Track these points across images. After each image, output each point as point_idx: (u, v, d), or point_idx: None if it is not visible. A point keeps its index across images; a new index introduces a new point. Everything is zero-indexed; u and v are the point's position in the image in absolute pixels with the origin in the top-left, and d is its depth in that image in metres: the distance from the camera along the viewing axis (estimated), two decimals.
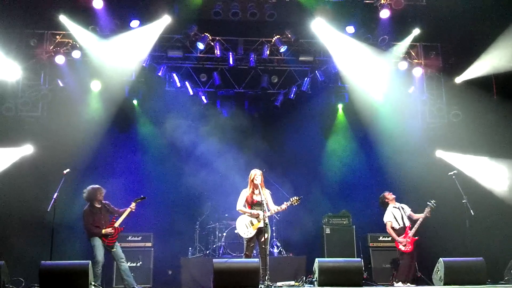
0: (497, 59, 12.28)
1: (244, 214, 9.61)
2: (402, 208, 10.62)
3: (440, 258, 8.84)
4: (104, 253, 9.90)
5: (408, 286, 9.98)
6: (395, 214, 10.56)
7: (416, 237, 10.29)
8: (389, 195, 10.75)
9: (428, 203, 10.27)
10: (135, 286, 10.06)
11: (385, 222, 10.63)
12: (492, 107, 12.71)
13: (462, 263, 8.84)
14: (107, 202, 10.25)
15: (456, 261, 8.85)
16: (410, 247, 10.28)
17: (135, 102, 12.83)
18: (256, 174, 9.65)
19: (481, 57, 12.49)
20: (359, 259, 10.39)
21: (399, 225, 10.47)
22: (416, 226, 10.30)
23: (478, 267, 8.72)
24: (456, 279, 8.56)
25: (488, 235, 11.52)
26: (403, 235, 10.34)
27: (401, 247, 10.34)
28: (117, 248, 10.06)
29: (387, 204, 10.72)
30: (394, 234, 10.45)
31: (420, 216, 10.35)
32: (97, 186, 10.12)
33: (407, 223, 10.43)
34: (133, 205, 10.07)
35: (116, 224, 10.03)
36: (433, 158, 13.12)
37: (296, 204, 9.59)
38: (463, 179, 10.77)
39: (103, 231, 9.84)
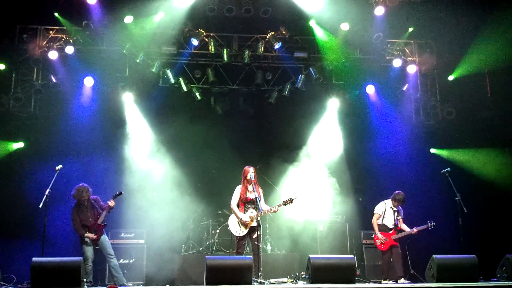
0: (488, 53, 12.33)
1: (236, 215, 9.61)
2: (398, 211, 10.76)
3: (433, 255, 8.81)
4: (94, 249, 9.90)
5: (403, 283, 10.01)
6: (387, 211, 10.72)
7: (397, 243, 10.52)
8: (397, 195, 10.76)
9: (428, 222, 10.45)
10: (125, 283, 10.06)
11: (374, 212, 10.87)
12: (486, 105, 12.75)
13: (455, 260, 8.82)
14: (95, 197, 10.24)
15: (449, 258, 8.83)
16: (383, 246, 10.55)
17: (128, 98, 12.73)
18: (250, 171, 9.61)
19: (473, 52, 12.53)
20: (352, 256, 10.37)
21: (382, 222, 10.73)
22: (403, 234, 10.60)
23: (470, 264, 8.68)
24: (449, 276, 8.53)
25: (480, 232, 11.58)
26: (388, 233, 10.59)
27: (377, 242, 10.66)
28: (104, 244, 10.03)
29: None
30: (376, 228, 10.70)
31: (406, 230, 10.62)
32: (82, 186, 10.04)
33: (393, 225, 10.68)
34: (111, 201, 10.06)
35: (99, 221, 10.01)
36: (426, 155, 13.15)
37: (288, 205, 9.56)
38: (456, 176, 10.76)
39: (85, 235, 9.86)
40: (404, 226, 10.71)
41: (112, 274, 10.07)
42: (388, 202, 10.81)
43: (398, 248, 10.55)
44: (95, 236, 9.90)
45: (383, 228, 10.67)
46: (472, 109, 12.90)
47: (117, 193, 10.24)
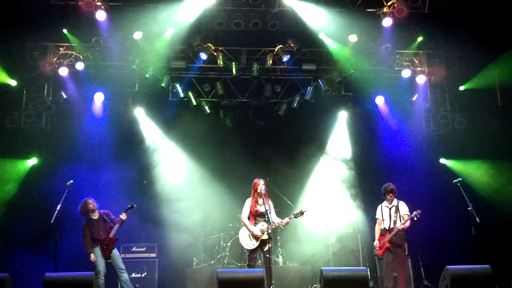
0: (501, 71, 12.36)
1: (247, 228, 9.59)
2: (396, 207, 10.02)
3: (446, 266, 8.72)
4: (106, 263, 9.91)
5: None
6: (383, 213, 10.14)
7: (390, 245, 9.82)
8: (384, 189, 10.19)
9: (414, 212, 9.68)
10: None
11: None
12: (496, 114, 12.70)
13: (469, 270, 8.72)
14: (106, 211, 10.29)
15: (462, 268, 8.73)
16: (379, 251, 9.96)
17: (139, 113, 12.82)
18: (259, 184, 9.59)
19: (485, 69, 12.55)
20: (364, 268, 10.28)
21: (384, 225, 10.03)
22: (393, 233, 9.81)
23: (484, 274, 8.58)
24: (463, 287, 8.46)
25: (494, 242, 11.46)
26: (384, 236, 9.96)
27: (376, 250, 10.09)
28: (115, 258, 10.05)
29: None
30: (376, 234, 10.13)
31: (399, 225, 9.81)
32: (85, 201, 10.15)
33: (392, 225, 9.91)
34: (123, 215, 10.10)
35: (110, 235, 10.03)
36: (437, 165, 13.09)
37: (299, 217, 9.52)
38: (468, 186, 10.68)
39: (91, 255, 9.87)
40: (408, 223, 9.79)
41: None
42: (383, 203, 10.25)
43: (398, 256, 9.78)
44: (95, 259, 9.90)
45: (383, 232, 10.01)
46: (482, 119, 12.83)
47: (129, 206, 10.25)
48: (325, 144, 13.55)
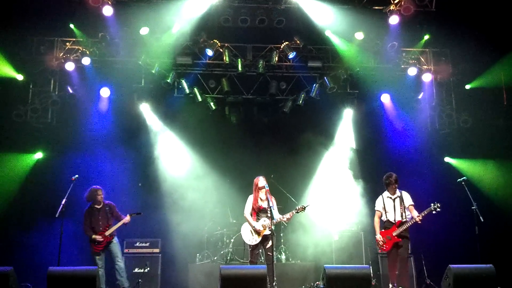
0: (507, 69, 12.32)
1: (249, 224, 9.62)
2: (401, 198, 9.68)
3: (449, 265, 8.72)
4: (106, 254, 10.00)
5: None
6: (386, 204, 9.74)
7: (400, 239, 9.43)
8: (388, 179, 9.80)
9: (431, 204, 9.31)
10: (125, 287, 10.16)
11: (375, 209, 9.90)
12: (502, 113, 12.67)
13: (472, 270, 8.72)
14: (111, 203, 10.35)
15: (466, 268, 8.72)
16: (386, 247, 9.49)
17: (144, 108, 12.86)
18: (260, 179, 9.65)
19: (491, 68, 12.51)
20: (367, 265, 10.28)
21: (387, 217, 9.63)
22: (405, 226, 9.43)
23: (487, 274, 8.58)
24: (466, 286, 8.44)
25: (498, 242, 11.43)
26: (389, 230, 9.55)
27: (379, 244, 9.63)
28: (113, 247, 10.13)
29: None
30: (377, 228, 9.63)
31: (415, 216, 9.36)
32: (95, 187, 10.25)
33: (399, 218, 9.55)
34: (128, 218, 10.22)
35: (107, 233, 10.07)
36: (442, 164, 13.07)
37: (301, 212, 9.52)
38: (473, 185, 10.64)
39: (93, 236, 9.96)
40: (415, 214, 9.38)
41: (116, 276, 10.15)
42: (384, 194, 9.85)
43: (404, 249, 9.45)
44: (102, 239, 9.98)
45: (388, 225, 9.57)
46: (488, 118, 12.80)
47: (136, 213, 10.37)
48: (330, 142, 13.53)
